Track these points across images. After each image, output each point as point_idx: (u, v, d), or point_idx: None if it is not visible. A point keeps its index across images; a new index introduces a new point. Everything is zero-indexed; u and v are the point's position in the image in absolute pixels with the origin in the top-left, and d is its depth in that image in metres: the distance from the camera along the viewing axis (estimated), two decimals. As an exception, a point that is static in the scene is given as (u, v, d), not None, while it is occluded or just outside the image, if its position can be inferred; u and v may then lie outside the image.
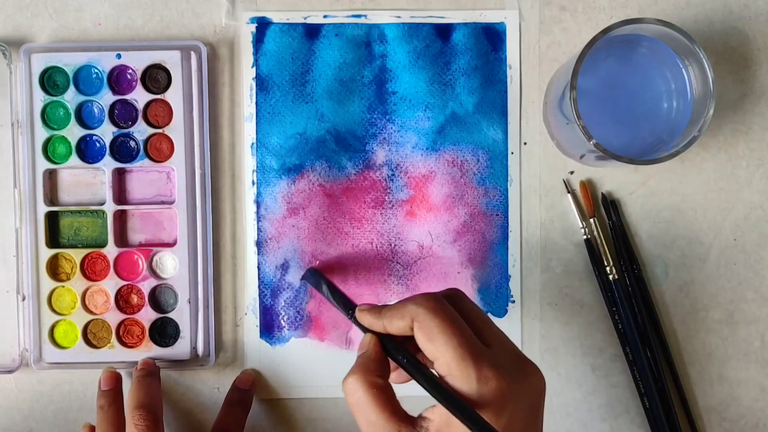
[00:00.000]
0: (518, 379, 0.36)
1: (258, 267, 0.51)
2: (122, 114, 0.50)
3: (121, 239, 0.51)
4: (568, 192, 0.52)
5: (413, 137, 0.51)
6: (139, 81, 0.50)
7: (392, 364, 0.39)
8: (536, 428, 0.37)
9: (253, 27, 0.51)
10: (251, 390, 0.51)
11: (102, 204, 0.51)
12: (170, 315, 0.51)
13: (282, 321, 0.52)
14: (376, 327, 0.39)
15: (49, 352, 0.50)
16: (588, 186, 0.52)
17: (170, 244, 0.51)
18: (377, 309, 0.39)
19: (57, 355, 0.51)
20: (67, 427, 0.52)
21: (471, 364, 0.35)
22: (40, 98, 0.50)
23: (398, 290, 0.52)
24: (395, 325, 0.38)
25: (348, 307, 0.43)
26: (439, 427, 0.35)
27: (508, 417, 0.35)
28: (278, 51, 0.51)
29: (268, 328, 0.52)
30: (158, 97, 0.50)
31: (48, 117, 0.50)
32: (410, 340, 0.38)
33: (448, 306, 0.37)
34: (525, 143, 0.52)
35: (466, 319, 0.37)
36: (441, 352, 0.35)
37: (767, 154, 0.52)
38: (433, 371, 0.37)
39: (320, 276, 0.47)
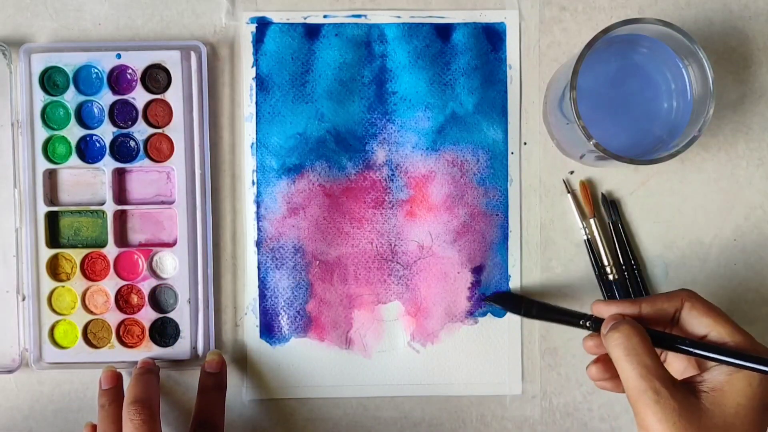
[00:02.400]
0: None
1: (258, 267, 0.51)
2: (122, 114, 0.50)
3: (121, 239, 0.51)
4: (568, 192, 0.52)
5: (413, 137, 0.51)
6: (139, 81, 0.50)
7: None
8: None
9: (253, 27, 0.51)
10: (223, 372, 0.50)
11: (102, 204, 0.51)
12: (170, 315, 0.51)
13: (282, 321, 0.52)
14: (628, 311, 0.42)
15: (49, 352, 0.50)
16: (588, 186, 0.52)
17: (170, 244, 0.51)
18: (623, 300, 0.44)
19: (57, 355, 0.51)
20: (67, 427, 0.52)
21: (746, 334, 0.40)
22: (40, 98, 0.50)
23: (398, 290, 0.52)
24: (658, 307, 0.41)
25: (574, 316, 0.45)
26: (718, 384, 0.39)
27: None
28: (278, 51, 0.51)
29: (268, 328, 0.52)
30: (158, 97, 0.50)
31: (48, 117, 0.50)
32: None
33: None
34: (525, 143, 0.52)
35: None
36: (719, 324, 0.40)
37: (767, 154, 0.52)
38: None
39: (521, 298, 0.50)
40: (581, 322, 0.44)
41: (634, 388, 0.39)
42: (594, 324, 0.44)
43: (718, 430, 0.38)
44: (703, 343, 0.40)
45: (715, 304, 0.42)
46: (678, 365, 0.44)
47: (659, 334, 0.41)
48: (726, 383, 0.38)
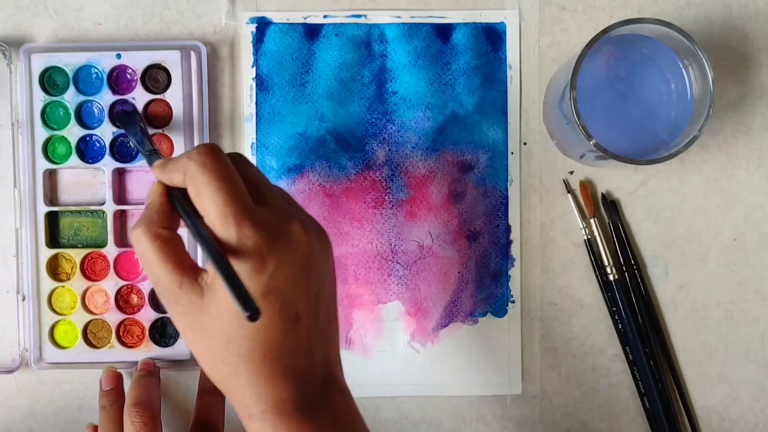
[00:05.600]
0: (281, 239, 0.36)
1: (258, 267, 0.51)
2: (122, 114, 0.50)
3: (121, 239, 0.51)
4: (568, 192, 0.52)
5: (413, 137, 0.51)
6: (138, 81, 0.50)
7: None
8: (307, 288, 0.37)
9: (253, 27, 0.51)
10: None
11: (102, 204, 0.51)
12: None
13: (282, 321, 0.51)
14: (164, 180, 0.38)
15: (49, 352, 0.50)
16: (588, 186, 0.52)
17: (170, 244, 0.51)
18: (165, 161, 0.38)
19: (57, 355, 0.51)
20: (67, 427, 0.52)
21: (232, 222, 0.35)
22: (40, 98, 0.50)
23: (398, 290, 0.52)
24: (175, 179, 0.37)
25: (152, 153, 0.44)
26: (212, 279, 0.35)
27: (269, 274, 0.35)
28: (278, 51, 0.51)
29: (268, 328, 0.52)
30: (158, 97, 0.50)
31: (48, 117, 0.50)
32: None
33: (225, 161, 0.36)
34: (525, 143, 0.52)
35: (245, 178, 0.37)
36: (206, 208, 0.35)
37: (767, 154, 0.52)
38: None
39: (136, 115, 0.48)
40: (149, 156, 0.43)
41: (158, 294, 0.37)
42: (150, 159, 0.43)
43: (217, 331, 0.35)
44: (197, 225, 0.36)
45: (225, 176, 0.35)
46: None
47: (179, 198, 0.37)
48: (215, 278, 0.35)
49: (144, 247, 0.36)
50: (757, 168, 0.52)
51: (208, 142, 0.37)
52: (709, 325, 0.52)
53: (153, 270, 0.36)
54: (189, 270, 0.36)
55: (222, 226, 0.35)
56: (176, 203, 0.37)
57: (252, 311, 0.32)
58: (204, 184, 0.35)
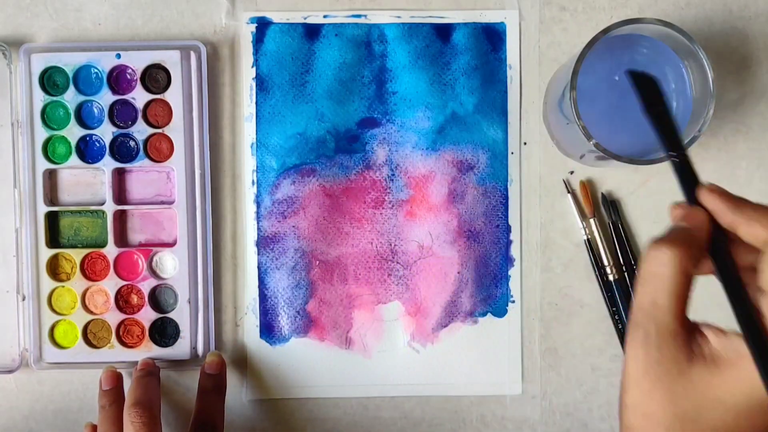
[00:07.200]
0: None
1: (258, 267, 0.51)
2: (122, 114, 0.50)
3: (121, 239, 0.51)
4: (568, 192, 0.52)
5: (413, 137, 0.51)
6: (138, 81, 0.50)
7: None
8: None
9: (253, 27, 0.51)
10: (222, 373, 0.50)
11: (102, 204, 0.51)
12: (170, 315, 0.51)
13: (282, 321, 0.52)
14: (720, 217, 0.32)
15: (49, 352, 0.50)
16: (588, 186, 0.52)
17: (170, 244, 0.51)
18: (732, 199, 0.32)
19: (57, 355, 0.51)
20: (67, 427, 0.52)
21: None
22: (40, 98, 0.50)
23: (398, 290, 0.52)
24: (750, 231, 0.31)
25: (674, 146, 0.36)
26: (721, 357, 0.30)
27: None
28: (278, 51, 0.51)
29: (268, 328, 0.52)
30: (158, 97, 0.50)
31: (48, 117, 0.50)
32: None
33: None
34: (525, 143, 0.52)
35: None
36: None
37: (767, 154, 0.52)
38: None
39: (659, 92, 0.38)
40: (669, 153, 0.36)
41: (634, 314, 0.32)
42: (676, 162, 0.36)
43: (696, 409, 0.30)
44: (742, 291, 0.31)
45: None
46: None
47: (722, 246, 0.32)
48: (727, 362, 0.30)
49: (666, 272, 0.31)
50: (757, 168, 0.52)
51: None
52: (709, 325, 0.52)
53: (658, 301, 0.31)
54: (689, 324, 0.31)
55: None
56: (718, 250, 0.32)
57: None
58: None
